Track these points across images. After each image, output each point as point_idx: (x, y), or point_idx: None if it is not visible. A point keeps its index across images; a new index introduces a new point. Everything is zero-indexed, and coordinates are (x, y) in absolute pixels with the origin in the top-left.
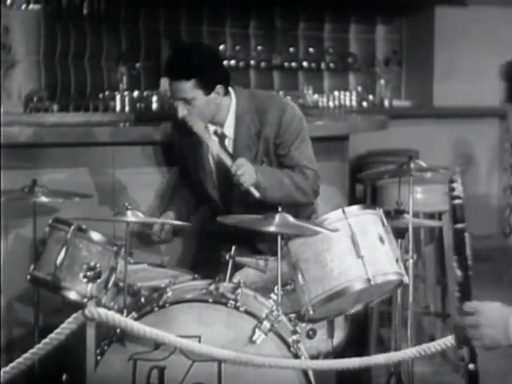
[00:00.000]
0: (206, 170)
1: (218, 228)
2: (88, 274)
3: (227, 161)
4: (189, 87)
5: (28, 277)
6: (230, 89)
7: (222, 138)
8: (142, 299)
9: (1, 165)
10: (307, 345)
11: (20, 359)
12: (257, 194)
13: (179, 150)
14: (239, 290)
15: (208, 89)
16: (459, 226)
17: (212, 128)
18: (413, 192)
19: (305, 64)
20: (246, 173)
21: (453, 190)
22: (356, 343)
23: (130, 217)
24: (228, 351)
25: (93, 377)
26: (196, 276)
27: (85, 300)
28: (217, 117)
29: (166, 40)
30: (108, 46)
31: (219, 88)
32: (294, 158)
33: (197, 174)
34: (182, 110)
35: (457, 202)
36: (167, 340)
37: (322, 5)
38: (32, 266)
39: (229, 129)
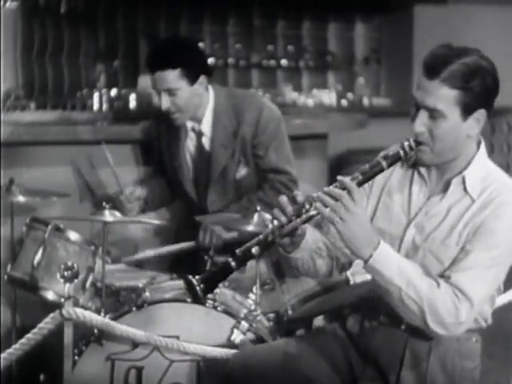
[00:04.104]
0: (183, 167)
1: (195, 227)
2: (65, 273)
3: None
4: (175, 77)
5: (5, 277)
6: (208, 86)
7: (199, 135)
8: (120, 299)
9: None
10: None
11: None
12: None
13: (157, 145)
14: (218, 290)
15: (192, 79)
16: None
17: (190, 125)
18: None
19: (283, 62)
20: None
21: None
22: None
23: (108, 216)
24: (207, 347)
25: (70, 377)
26: (174, 276)
27: (62, 300)
28: (196, 113)
29: (144, 38)
30: (86, 43)
31: (202, 79)
32: (271, 160)
33: (174, 171)
34: (165, 102)
35: None
36: (145, 339)
37: (301, 3)
38: (9, 266)
39: (206, 126)
